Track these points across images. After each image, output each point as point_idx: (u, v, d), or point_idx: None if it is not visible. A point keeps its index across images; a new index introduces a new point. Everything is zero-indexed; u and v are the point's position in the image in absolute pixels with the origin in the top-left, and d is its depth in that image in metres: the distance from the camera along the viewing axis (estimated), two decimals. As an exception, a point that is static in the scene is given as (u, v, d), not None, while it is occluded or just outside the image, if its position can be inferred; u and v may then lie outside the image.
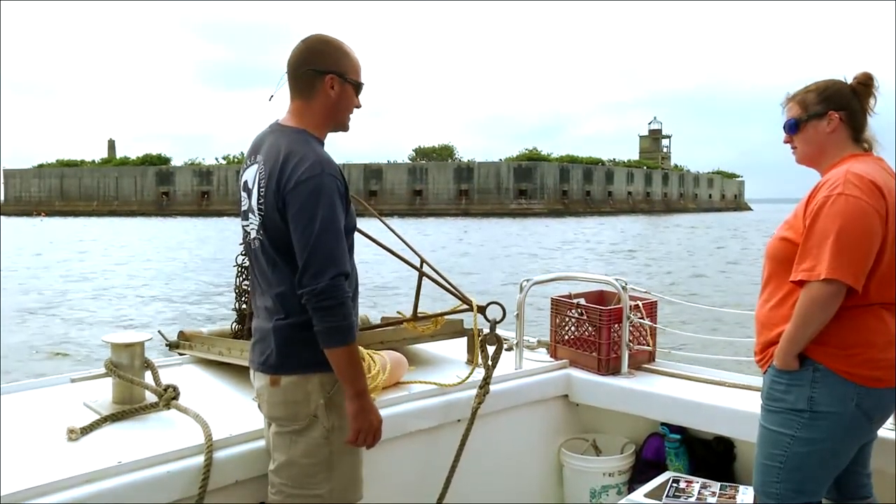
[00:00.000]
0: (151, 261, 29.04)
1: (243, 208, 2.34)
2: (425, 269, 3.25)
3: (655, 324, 3.60)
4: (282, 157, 2.19)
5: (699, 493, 3.00)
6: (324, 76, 2.26)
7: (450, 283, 3.22)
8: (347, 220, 2.23)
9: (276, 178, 2.18)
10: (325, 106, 2.29)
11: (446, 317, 3.34)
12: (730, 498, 2.96)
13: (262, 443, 2.46)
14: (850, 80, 2.43)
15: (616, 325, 3.44)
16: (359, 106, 2.36)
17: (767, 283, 2.43)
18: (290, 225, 2.16)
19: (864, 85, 2.41)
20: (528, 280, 3.55)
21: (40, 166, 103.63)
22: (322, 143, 2.31)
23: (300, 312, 2.20)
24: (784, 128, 2.47)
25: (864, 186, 2.22)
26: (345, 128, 2.38)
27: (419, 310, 3.27)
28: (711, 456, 3.22)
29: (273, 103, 2.36)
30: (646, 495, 2.99)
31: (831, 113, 2.38)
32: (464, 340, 3.43)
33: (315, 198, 2.13)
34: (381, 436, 2.32)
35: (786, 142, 2.49)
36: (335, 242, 2.14)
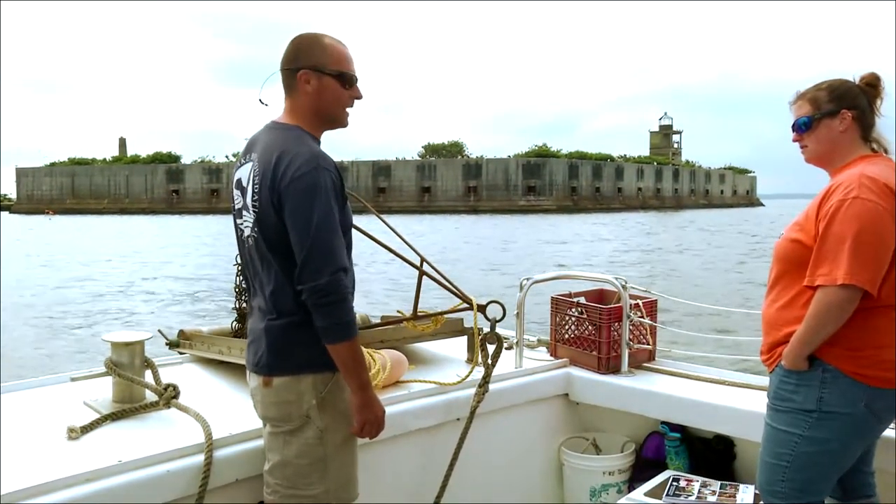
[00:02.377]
0: (154, 258, 29.10)
1: (237, 206, 2.33)
2: (425, 267, 3.25)
3: (655, 322, 3.59)
4: (276, 154, 2.18)
5: (699, 491, 3.00)
6: (296, 73, 2.25)
7: (450, 282, 3.23)
8: (343, 217, 2.21)
9: (270, 175, 2.17)
10: (307, 102, 2.27)
11: (446, 316, 3.34)
12: (730, 497, 2.96)
13: (261, 442, 2.46)
14: (856, 81, 2.42)
15: (616, 324, 3.44)
16: (357, 97, 2.32)
17: (775, 284, 2.42)
18: (286, 222, 2.15)
19: (872, 86, 2.41)
20: (528, 279, 3.55)
21: (52, 164, 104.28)
22: (318, 141, 2.30)
23: (292, 313, 2.20)
24: (794, 126, 2.44)
25: (879, 190, 2.21)
26: (340, 123, 2.34)
27: (419, 308, 3.28)
28: (711, 454, 3.21)
29: (276, 101, 2.36)
30: (646, 494, 2.99)
31: (844, 111, 2.36)
32: (464, 339, 3.44)
33: (311, 193, 2.11)
34: (384, 426, 2.33)
35: (795, 140, 2.46)
36: (333, 238, 2.13)
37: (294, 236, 2.14)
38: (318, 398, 2.24)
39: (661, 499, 2.95)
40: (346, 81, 2.28)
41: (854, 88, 2.40)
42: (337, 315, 2.13)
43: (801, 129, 2.43)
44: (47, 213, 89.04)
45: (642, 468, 3.35)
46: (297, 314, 2.19)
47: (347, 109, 2.33)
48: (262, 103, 2.34)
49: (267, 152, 2.22)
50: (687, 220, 64.97)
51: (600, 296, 3.70)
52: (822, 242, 2.22)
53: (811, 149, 2.44)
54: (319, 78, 2.25)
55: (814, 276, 2.23)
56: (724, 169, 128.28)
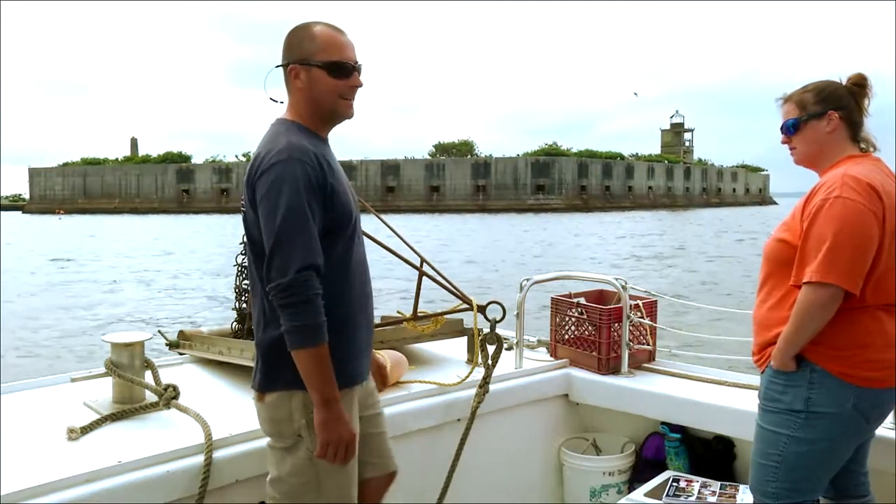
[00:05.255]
0: (155, 258, 29.19)
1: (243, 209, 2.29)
2: (425, 268, 3.26)
3: (655, 323, 3.59)
4: (257, 148, 2.12)
5: (699, 492, 3.00)
6: (286, 69, 2.16)
7: (450, 283, 3.24)
8: (336, 213, 2.09)
9: (249, 171, 2.10)
10: (300, 97, 2.16)
11: (446, 316, 3.35)
12: (730, 497, 2.96)
13: (261, 442, 2.45)
14: (844, 81, 2.43)
15: (616, 325, 3.44)
16: (356, 85, 2.17)
17: (765, 284, 2.44)
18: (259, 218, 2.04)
19: (859, 86, 2.42)
20: (528, 279, 3.54)
21: (65, 164, 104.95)
22: (319, 136, 2.18)
23: (278, 323, 2.04)
24: (782, 128, 2.47)
25: (862, 189, 2.22)
26: (341, 115, 2.19)
27: (419, 309, 3.29)
28: (711, 455, 3.21)
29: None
30: (646, 494, 2.99)
31: (831, 112, 2.38)
32: (464, 340, 3.44)
33: (278, 184, 1.98)
34: (354, 451, 2.13)
35: (784, 142, 2.49)
36: (301, 232, 1.97)
37: (263, 230, 2.02)
38: (307, 417, 2.10)
39: (660, 499, 2.95)
40: (337, 70, 2.13)
41: (840, 89, 2.41)
42: (300, 317, 1.96)
43: (789, 130, 2.44)
44: (58, 212, 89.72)
45: (642, 469, 3.35)
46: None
47: (347, 99, 2.16)
48: (274, 101, 2.23)
49: (256, 149, 2.17)
50: (697, 219, 64.68)
51: (600, 296, 3.70)
52: (805, 242, 2.25)
53: (799, 150, 2.45)
54: (308, 70, 2.12)
55: (797, 275, 2.26)
56: (737, 167, 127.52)
